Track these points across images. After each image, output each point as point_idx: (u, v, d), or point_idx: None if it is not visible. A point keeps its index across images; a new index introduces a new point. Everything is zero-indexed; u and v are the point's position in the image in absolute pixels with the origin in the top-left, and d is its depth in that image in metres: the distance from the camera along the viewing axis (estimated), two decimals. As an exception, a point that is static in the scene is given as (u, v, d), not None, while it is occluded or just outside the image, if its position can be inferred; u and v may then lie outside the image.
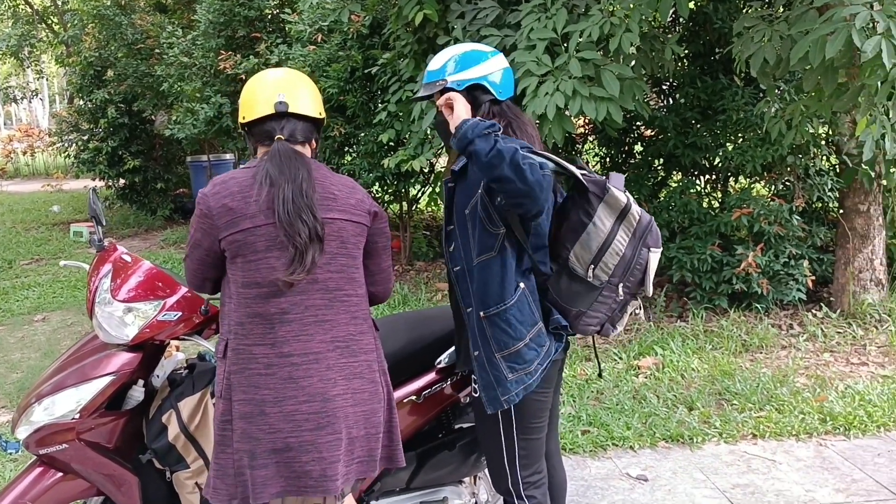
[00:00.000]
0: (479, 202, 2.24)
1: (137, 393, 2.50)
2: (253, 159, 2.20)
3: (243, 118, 2.20)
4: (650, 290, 2.33)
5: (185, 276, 2.26)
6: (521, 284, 2.26)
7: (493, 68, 2.34)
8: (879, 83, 4.03)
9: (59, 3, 18.49)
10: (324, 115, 2.27)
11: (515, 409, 2.32)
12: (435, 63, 2.37)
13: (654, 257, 2.30)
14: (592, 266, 2.24)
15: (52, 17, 20.00)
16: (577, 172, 2.25)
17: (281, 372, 2.06)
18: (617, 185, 2.25)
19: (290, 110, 2.16)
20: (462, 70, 2.32)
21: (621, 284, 2.28)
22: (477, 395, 2.35)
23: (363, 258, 2.24)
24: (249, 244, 2.05)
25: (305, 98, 2.20)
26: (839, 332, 5.30)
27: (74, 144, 11.17)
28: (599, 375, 2.58)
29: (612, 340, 5.21)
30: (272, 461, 2.06)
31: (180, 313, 2.48)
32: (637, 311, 2.42)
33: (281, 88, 2.17)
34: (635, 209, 2.25)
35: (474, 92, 2.32)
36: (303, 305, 2.09)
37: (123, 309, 2.41)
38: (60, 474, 2.43)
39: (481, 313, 2.26)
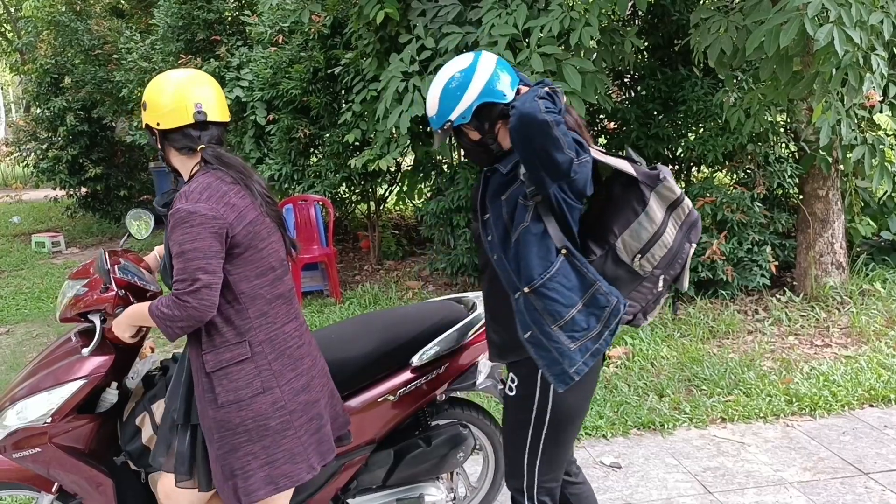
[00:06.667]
0: (524, 195, 2.18)
1: (111, 396, 2.51)
2: (207, 169, 2.23)
3: (205, 117, 2.24)
4: (686, 285, 2.31)
5: (201, 309, 2.09)
6: (563, 250, 2.17)
7: (484, 77, 2.19)
8: (833, 70, 4.12)
9: (12, 10, 18.10)
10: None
11: (552, 411, 2.25)
12: (431, 109, 2.26)
13: (691, 252, 2.30)
14: (639, 255, 2.21)
15: (4, 25, 19.59)
16: (629, 168, 2.22)
17: (307, 337, 2.36)
18: (668, 177, 2.23)
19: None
20: (458, 101, 2.19)
21: (663, 276, 2.26)
22: (512, 393, 2.30)
23: None
24: (258, 233, 2.21)
25: None
26: (803, 316, 5.41)
27: (33, 154, 10.95)
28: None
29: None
30: (327, 412, 2.37)
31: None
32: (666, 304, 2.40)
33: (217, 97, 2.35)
34: (686, 202, 2.24)
35: (482, 112, 2.20)
36: (291, 280, 2.35)
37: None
38: None
39: (526, 289, 2.17)
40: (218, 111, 2.27)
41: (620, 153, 2.32)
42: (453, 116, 2.21)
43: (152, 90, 2.26)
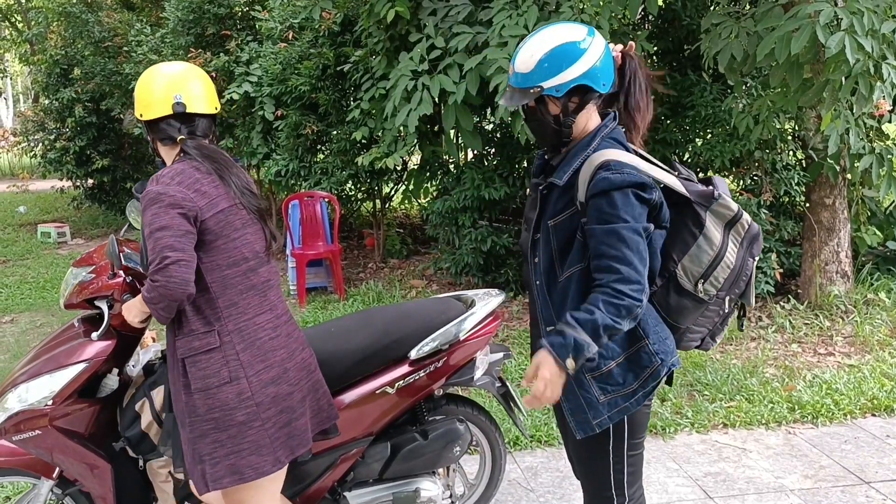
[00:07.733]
0: (580, 228, 2.01)
1: (112, 381, 2.54)
2: (184, 158, 2.25)
3: (188, 107, 2.27)
4: (752, 300, 2.16)
5: (171, 286, 2.07)
6: None
7: (593, 58, 1.99)
8: (843, 78, 4.11)
9: (23, 0, 18.17)
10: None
11: (629, 421, 2.12)
12: (524, 65, 2.01)
13: (753, 265, 2.14)
14: (702, 280, 2.06)
15: (15, 15, 19.67)
16: (682, 188, 2.06)
17: (284, 329, 2.32)
18: (724, 192, 2.07)
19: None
20: (559, 72, 1.97)
21: (728, 297, 2.11)
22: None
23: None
24: (230, 223, 2.22)
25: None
26: (807, 324, 5.40)
27: (41, 144, 11.00)
28: (668, 383, 2.28)
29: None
30: (305, 406, 2.34)
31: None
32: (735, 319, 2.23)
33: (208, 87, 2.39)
34: (745, 217, 2.08)
35: (575, 92, 2.00)
36: (272, 271, 2.36)
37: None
38: None
39: None
40: (203, 103, 2.30)
41: (666, 168, 2.15)
42: (547, 85, 1.99)
43: (139, 82, 2.33)
